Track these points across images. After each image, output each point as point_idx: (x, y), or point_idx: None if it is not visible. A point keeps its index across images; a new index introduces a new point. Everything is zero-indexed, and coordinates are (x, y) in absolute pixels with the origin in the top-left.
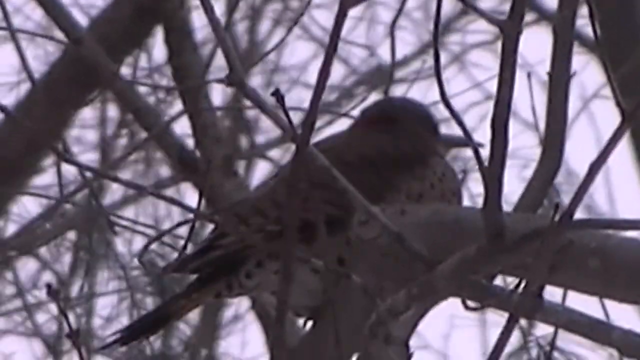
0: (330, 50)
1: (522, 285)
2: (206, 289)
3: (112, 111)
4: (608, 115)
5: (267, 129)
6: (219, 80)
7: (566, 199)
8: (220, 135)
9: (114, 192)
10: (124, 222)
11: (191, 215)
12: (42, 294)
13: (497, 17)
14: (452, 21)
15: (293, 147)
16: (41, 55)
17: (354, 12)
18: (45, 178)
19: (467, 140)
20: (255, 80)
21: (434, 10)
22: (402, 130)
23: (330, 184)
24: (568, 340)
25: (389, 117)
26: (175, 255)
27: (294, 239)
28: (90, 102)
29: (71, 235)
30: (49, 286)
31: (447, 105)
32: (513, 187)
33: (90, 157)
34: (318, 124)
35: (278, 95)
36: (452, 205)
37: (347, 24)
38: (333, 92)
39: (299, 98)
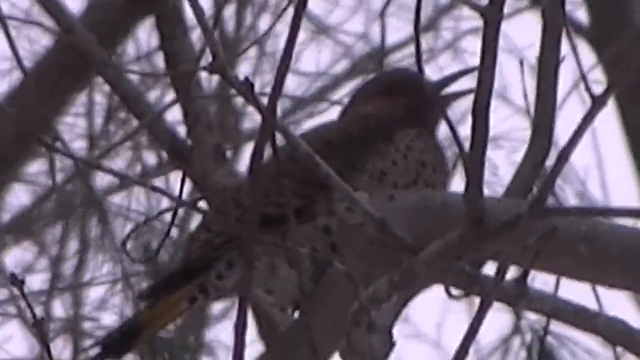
0: (296, 22)
1: (504, 272)
2: (174, 295)
3: (102, 99)
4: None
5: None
6: (203, 68)
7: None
8: (212, 123)
9: (104, 180)
10: (116, 209)
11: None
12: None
13: (477, 3)
14: (444, 10)
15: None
16: (32, 43)
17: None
18: (37, 166)
19: (458, 73)
20: (245, 67)
21: None
22: (391, 102)
23: (294, 172)
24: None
25: (378, 93)
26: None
27: (255, 223)
28: (83, 90)
29: (64, 221)
30: (13, 275)
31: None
32: (505, 171)
33: (82, 145)
34: (311, 111)
35: (247, 84)
36: (439, 191)
37: (340, 13)
38: (325, 80)
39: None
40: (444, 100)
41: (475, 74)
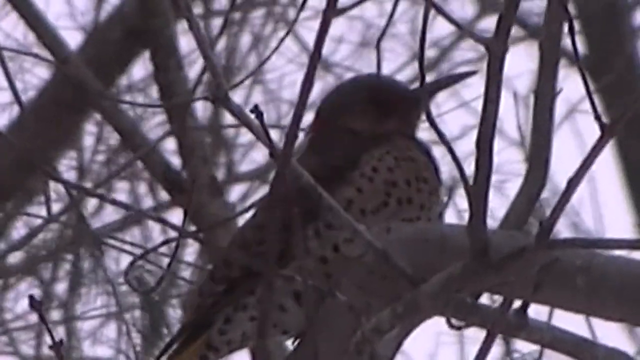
0: (314, 62)
1: (507, 303)
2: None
3: (95, 130)
4: (595, 129)
5: (249, 146)
6: (204, 98)
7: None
8: (207, 155)
9: (106, 213)
10: (112, 241)
11: (175, 234)
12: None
13: (482, 35)
14: (446, 51)
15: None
16: (28, 75)
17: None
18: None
19: (453, 77)
20: (237, 96)
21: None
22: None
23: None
24: (554, 357)
25: (369, 105)
26: (161, 273)
27: (274, 256)
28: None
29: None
30: (31, 297)
31: (433, 125)
32: (497, 203)
33: (72, 176)
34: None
35: (257, 112)
36: (436, 223)
37: (336, 45)
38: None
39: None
40: (430, 91)
41: (477, 105)
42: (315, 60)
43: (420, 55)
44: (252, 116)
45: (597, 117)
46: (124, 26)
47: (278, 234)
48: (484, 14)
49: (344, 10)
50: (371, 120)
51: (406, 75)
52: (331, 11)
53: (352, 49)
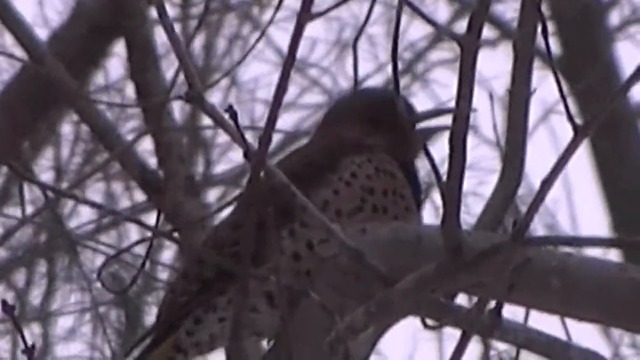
0: (288, 64)
1: (482, 303)
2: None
3: (70, 130)
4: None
5: (225, 147)
6: (178, 97)
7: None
8: (183, 154)
9: (83, 212)
10: (87, 242)
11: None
12: None
13: (455, 31)
14: (420, 54)
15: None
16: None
17: (317, 33)
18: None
19: (439, 109)
20: (214, 97)
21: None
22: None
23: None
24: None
25: (362, 117)
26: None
27: (249, 255)
28: (52, 120)
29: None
30: (4, 302)
31: (406, 123)
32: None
33: (50, 176)
34: (283, 143)
35: (231, 112)
36: (411, 223)
37: (312, 46)
38: (298, 111)
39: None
40: (422, 135)
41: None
42: (290, 63)
43: (394, 57)
44: (226, 116)
45: (571, 118)
46: (90, 21)
47: (252, 233)
48: (459, 17)
49: (318, 15)
50: (359, 132)
51: (383, 76)
52: (305, 15)
53: (328, 50)
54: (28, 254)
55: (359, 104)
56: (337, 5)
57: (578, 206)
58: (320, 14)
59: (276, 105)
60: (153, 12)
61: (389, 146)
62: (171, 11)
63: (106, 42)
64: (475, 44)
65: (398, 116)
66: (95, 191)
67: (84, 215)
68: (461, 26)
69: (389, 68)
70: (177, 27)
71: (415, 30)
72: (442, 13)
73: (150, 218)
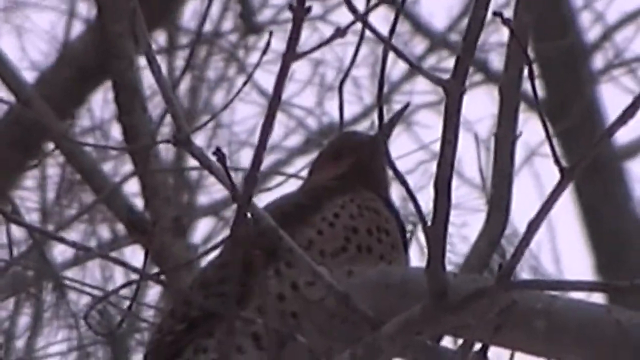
0: (273, 105)
1: (468, 345)
2: None
3: (55, 171)
4: (554, 172)
5: (212, 188)
6: (166, 141)
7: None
8: (170, 196)
9: (61, 252)
10: (72, 283)
11: (136, 276)
12: None
13: (440, 76)
14: (400, 83)
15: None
16: None
17: (302, 75)
18: None
19: (396, 115)
20: (199, 139)
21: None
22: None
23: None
24: None
25: (328, 159)
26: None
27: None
28: (37, 165)
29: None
30: None
31: (391, 165)
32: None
33: (35, 218)
34: (268, 184)
35: (219, 154)
36: (398, 266)
37: (295, 86)
38: (282, 152)
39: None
40: (387, 129)
41: (435, 147)
42: (275, 104)
43: (379, 96)
44: (214, 159)
45: (557, 161)
46: (76, 64)
47: (238, 274)
48: (433, 51)
49: (303, 55)
50: (330, 169)
51: (369, 118)
52: (291, 55)
53: (314, 92)
54: (15, 294)
55: (324, 149)
56: (321, 46)
57: (562, 247)
58: (305, 54)
59: (261, 147)
60: (140, 54)
61: (363, 181)
62: (157, 53)
63: (93, 84)
64: (460, 89)
65: (362, 144)
66: (80, 232)
67: (70, 256)
68: (434, 61)
69: (374, 110)
70: (163, 69)
71: (393, 66)
72: (418, 48)
73: (134, 253)
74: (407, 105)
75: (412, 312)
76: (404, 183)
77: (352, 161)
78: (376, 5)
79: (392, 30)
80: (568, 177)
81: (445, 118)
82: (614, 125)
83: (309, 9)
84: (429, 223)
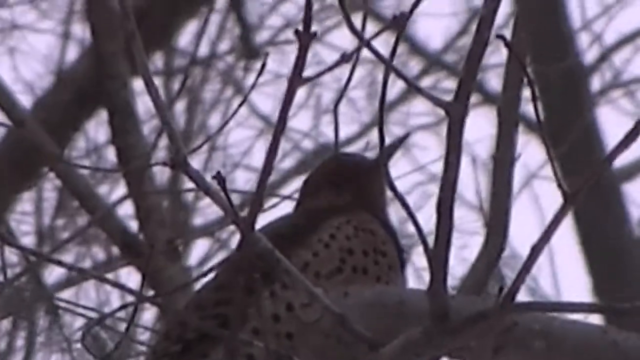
0: (278, 130)
1: None
2: None
3: (51, 194)
4: (553, 195)
5: (207, 211)
6: (163, 163)
7: (510, 281)
8: (164, 219)
9: (55, 274)
10: (66, 305)
11: (132, 299)
12: None
13: (442, 99)
14: (396, 103)
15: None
16: None
17: (298, 97)
18: None
19: (397, 141)
20: (195, 162)
21: (378, 89)
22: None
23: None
24: None
25: (324, 184)
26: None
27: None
28: (32, 187)
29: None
30: None
31: (392, 188)
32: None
33: (30, 241)
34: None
35: (219, 178)
36: (395, 287)
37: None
38: (276, 174)
39: (244, 180)
40: (386, 155)
41: (433, 168)
42: (280, 129)
43: (380, 120)
44: (214, 183)
45: (559, 185)
46: (75, 88)
47: (238, 299)
48: (428, 72)
49: (309, 80)
50: (330, 197)
51: (365, 139)
52: (297, 80)
53: (310, 114)
54: (9, 317)
55: (319, 175)
56: (326, 71)
57: (560, 268)
58: (311, 79)
59: (266, 172)
60: (135, 76)
61: (363, 195)
62: (154, 74)
63: (91, 108)
64: (462, 111)
65: (358, 172)
66: (74, 254)
67: (64, 278)
68: (430, 82)
69: (369, 131)
70: (160, 91)
71: (391, 88)
72: (414, 69)
73: (129, 276)
74: (408, 135)
75: (412, 333)
76: (405, 206)
77: (353, 191)
78: (382, 31)
79: (393, 53)
80: (571, 201)
81: (447, 140)
82: (617, 149)
83: (314, 35)
84: (430, 245)
